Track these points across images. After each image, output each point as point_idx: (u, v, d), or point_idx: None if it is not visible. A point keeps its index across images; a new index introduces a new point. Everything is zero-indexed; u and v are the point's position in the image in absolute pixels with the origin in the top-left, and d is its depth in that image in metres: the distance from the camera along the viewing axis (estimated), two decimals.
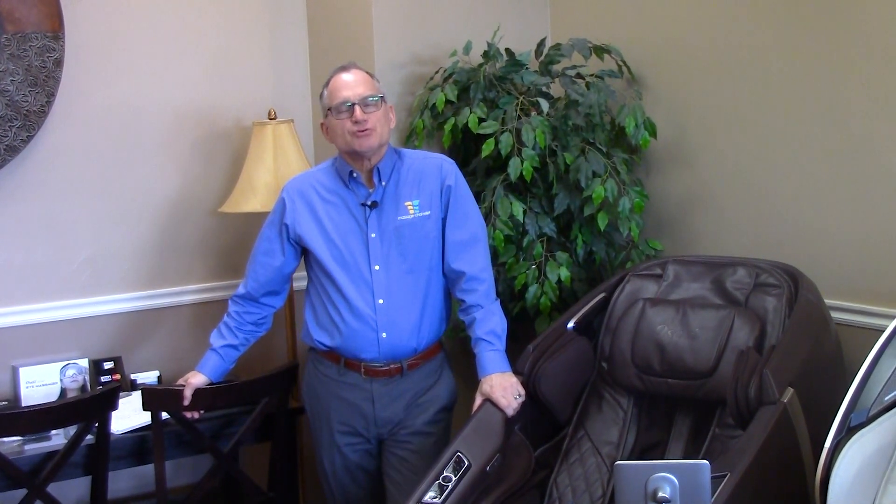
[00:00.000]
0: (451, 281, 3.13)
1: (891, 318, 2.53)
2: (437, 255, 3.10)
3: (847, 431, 2.36)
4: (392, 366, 3.08)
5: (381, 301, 3.04)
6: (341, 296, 3.04)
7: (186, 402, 3.14)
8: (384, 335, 3.04)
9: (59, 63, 3.53)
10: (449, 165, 3.14)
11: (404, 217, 3.06)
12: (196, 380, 3.16)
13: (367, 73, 3.08)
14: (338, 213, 3.07)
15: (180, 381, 3.17)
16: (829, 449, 2.34)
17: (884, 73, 2.92)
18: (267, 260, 3.16)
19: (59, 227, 3.69)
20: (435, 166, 3.12)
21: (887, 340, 2.45)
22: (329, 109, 3.02)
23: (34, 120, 3.52)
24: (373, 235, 3.04)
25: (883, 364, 2.43)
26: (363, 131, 2.97)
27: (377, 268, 3.04)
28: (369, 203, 3.05)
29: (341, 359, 3.10)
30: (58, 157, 3.65)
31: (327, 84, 3.05)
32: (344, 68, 3.05)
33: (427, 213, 3.07)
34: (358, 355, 3.07)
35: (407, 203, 3.07)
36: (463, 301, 3.10)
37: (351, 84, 3.00)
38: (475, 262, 3.10)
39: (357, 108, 2.97)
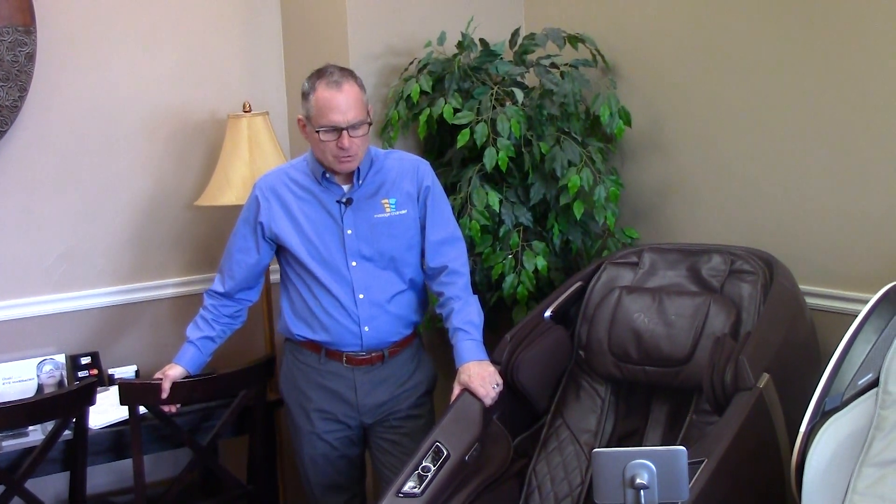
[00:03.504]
0: (430, 277, 3.15)
1: (864, 302, 2.55)
2: (413, 251, 3.12)
3: (822, 416, 2.39)
4: (374, 354, 3.10)
5: (361, 296, 3.05)
6: (324, 291, 3.05)
7: (165, 395, 3.13)
8: (367, 329, 3.06)
9: (31, 57, 3.51)
10: (425, 167, 3.15)
11: (380, 215, 3.06)
12: (174, 372, 3.15)
13: (357, 84, 2.98)
14: (313, 211, 3.07)
15: (158, 375, 3.17)
16: (804, 433, 2.37)
17: (859, 61, 2.94)
18: (243, 258, 3.15)
19: (34, 222, 3.67)
20: (412, 168, 3.12)
21: (860, 325, 2.47)
22: (311, 121, 2.96)
23: (6, 115, 3.49)
24: (349, 232, 3.05)
25: (856, 348, 2.45)
26: (347, 157, 2.96)
27: (354, 264, 3.05)
28: (345, 200, 3.05)
29: (322, 349, 3.11)
30: (31, 153, 3.63)
31: (314, 89, 2.94)
32: (336, 83, 2.92)
33: (403, 211, 3.08)
34: (340, 347, 3.08)
35: (383, 201, 3.07)
36: (442, 294, 3.11)
37: (343, 107, 2.91)
38: (457, 258, 3.13)
39: (345, 134, 2.92)
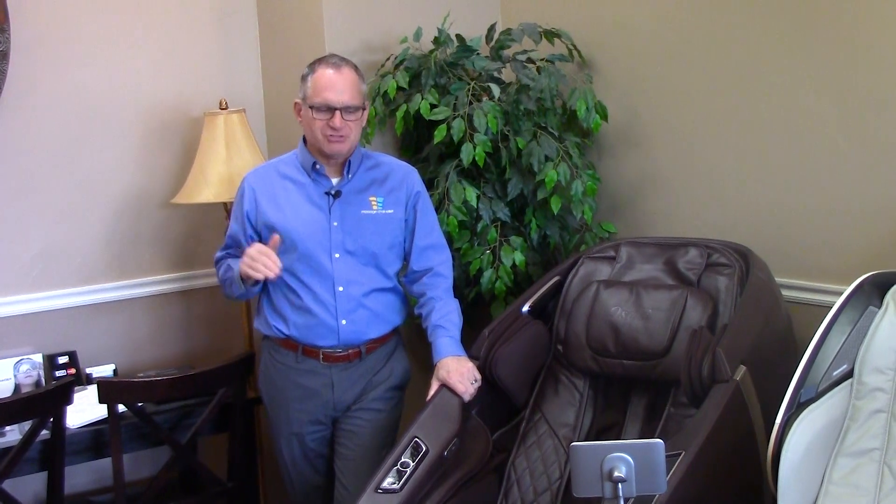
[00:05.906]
0: (412, 280, 3.17)
1: (839, 294, 2.56)
2: (394, 251, 3.12)
3: (797, 407, 2.40)
4: (350, 351, 3.10)
5: (340, 289, 3.04)
6: (301, 283, 3.04)
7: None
8: (344, 322, 3.05)
9: (5, 56, 3.49)
10: (416, 174, 3.19)
11: (367, 211, 3.07)
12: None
13: (356, 72, 3.03)
14: (301, 202, 3.07)
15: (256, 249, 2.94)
16: (780, 425, 2.38)
17: (831, 54, 2.96)
18: (237, 252, 3.10)
19: (10, 221, 3.65)
20: (402, 173, 3.16)
21: (834, 317, 2.48)
22: (306, 100, 2.99)
23: None
24: (335, 224, 3.05)
25: (831, 340, 2.46)
26: (338, 137, 2.97)
27: (337, 256, 3.04)
28: (333, 192, 3.05)
29: (299, 346, 3.10)
30: (6, 151, 3.61)
31: (313, 71, 3.00)
32: (335, 65, 2.99)
33: (390, 211, 3.10)
34: (316, 343, 3.07)
35: (371, 198, 3.09)
36: (423, 294, 3.14)
37: (338, 87, 2.96)
38: (442, 263, 3.17)
39: (338, 114, 2.95)
